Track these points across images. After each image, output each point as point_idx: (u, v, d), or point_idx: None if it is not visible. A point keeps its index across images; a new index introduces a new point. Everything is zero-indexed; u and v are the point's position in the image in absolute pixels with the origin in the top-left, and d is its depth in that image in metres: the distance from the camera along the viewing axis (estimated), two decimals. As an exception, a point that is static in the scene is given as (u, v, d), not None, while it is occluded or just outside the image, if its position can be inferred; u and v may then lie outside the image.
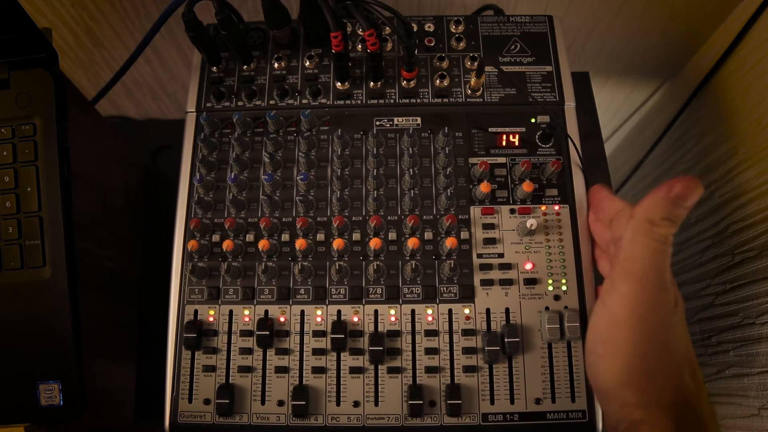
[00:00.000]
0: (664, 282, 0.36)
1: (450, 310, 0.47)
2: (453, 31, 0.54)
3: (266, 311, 0.47)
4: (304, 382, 0.46)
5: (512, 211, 0.49)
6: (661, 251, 0.35)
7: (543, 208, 0.49)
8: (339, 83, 0.53)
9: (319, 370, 0.46)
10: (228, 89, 0.53)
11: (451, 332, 0.46)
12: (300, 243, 0.46)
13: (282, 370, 0.46)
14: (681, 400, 0.35)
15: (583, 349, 0.42)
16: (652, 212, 0.35)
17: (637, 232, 0.36)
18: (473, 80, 0.51)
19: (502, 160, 0.50)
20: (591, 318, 0.39)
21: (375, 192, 0.49)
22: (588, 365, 0.40)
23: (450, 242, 0.46)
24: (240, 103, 0.53)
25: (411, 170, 0.49)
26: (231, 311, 0.47)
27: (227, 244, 0.47)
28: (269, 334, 0.46)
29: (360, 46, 0.54)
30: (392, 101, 0.52)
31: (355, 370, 0.46)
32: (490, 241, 0.48)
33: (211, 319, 0.47)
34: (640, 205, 0.36)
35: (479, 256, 0.48)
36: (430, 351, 0.46)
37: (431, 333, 0.46)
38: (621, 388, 0.36)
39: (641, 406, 0.35)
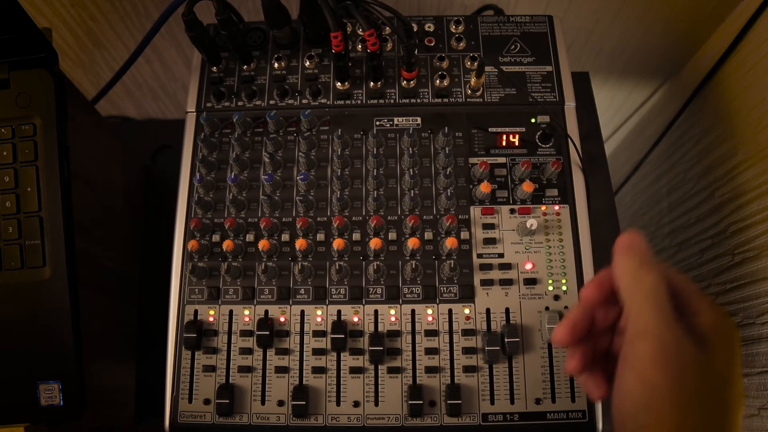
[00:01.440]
0: (680, 336, 0.32)
1: (450, 310, 0.47)
2: (453, 31, 0.54)
3: (266, 311, 0.47)
4: (304, 382, 0.46)
5: (512, 211, 0.49)
6: (661, 293, 0.33)
7: (543, 208, 0.49)
8: (339, 83, 0.53)
9: (319, 370, 0.46)
10: (228, 89, 0.53)
11: (451, 332, 0.46)
12: (300, 243, 0.46)
13: (282, 370, 0.46)
14: None
15: (613, 417, 0.36)
16: (629, 267, 0.34)
17: (630, 293, 0.34)
18: (473, 80, 0.51)
19: (502, 160, 0.50)
20: (617, 392, 0.34)
21: (375, 192, 0.49)
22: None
23: (450, 242, 0.46)
24: (240, 103, 0.53)
25: (411, 170, 0.49)
26: (231, 311, 0.47)
27: (227, 244, 0.47)
28: (269, 334, 0.46)
29: (360, 46, 0.54)
30: (392, 101, 0.52)
31: (355, 370, 0.46)
32: (490, 241, 0.48)
33: (211, 319, 0.47)
34: (615, 272, 0.35)
35: (479, 256, 0.48)
36: (430, 351, 0.46)
37: (431, 333, 0.46)
38: None
39: None
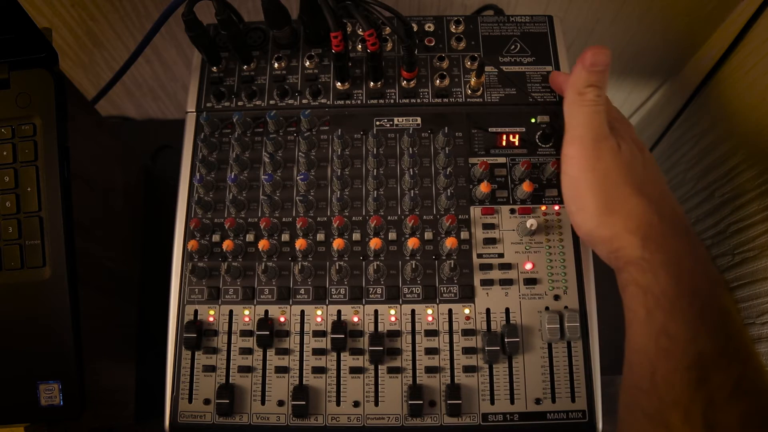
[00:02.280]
0: (602, 134, 0.43)
1: (450, 310, 0.47)
2: (453, 31, 0.54)
3: (266, 311, 0.47)
4: (304, 382, 0.46)
5: (512, 211, 0.49)
6: (593, 112, 0.43)
7: (543, 208, 0.49)
8: (339, 83, 0.53)
9: (319, 370, 0.46)
10: (228, 89, 0.53)
11: (451, 332, 0.46)
12: (300, 243, 0.46)
13: (282, 370, 0.46)
14: (646, 221, 0.40)
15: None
16: (577, 84, 0.43)
17: (570, 104, 0.44)
18: (473, 80, 0.51)
19: (502, 160, 0.50)
20: (561, 183, 0.46)
21: (375, 192, 0.49)
22: (572, 224, 0.46)
23: (450, 242, 0.46)
24: (240, 103, 0.53)
25: (411, 170, 0.49)
26: (231, 311, 0.47)
27: (227, 244, 0.47)
28: (269, 334, 0.46)
29: (360, 46, 0.54)
30: (392, 101, 0.52)
31: (355, 370, 0.46)
32: (490, 241, 0.48)
33: (211, 319, 0.47)
34: (567, 82, 0.44)
35: (479, 256, 0.48)
36: (430, 351, 0.46)
37: (431, 333, 0.46)
38: (597, 230, 0.42)
39: (613, 237, 0.41)
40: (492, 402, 0.45)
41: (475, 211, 0.49)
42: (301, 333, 0.47)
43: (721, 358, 0.35)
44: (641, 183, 0.42)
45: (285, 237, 0.48)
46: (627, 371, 0.40)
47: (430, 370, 0.45)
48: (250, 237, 0.49)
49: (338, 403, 0.45)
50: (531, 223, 0.47)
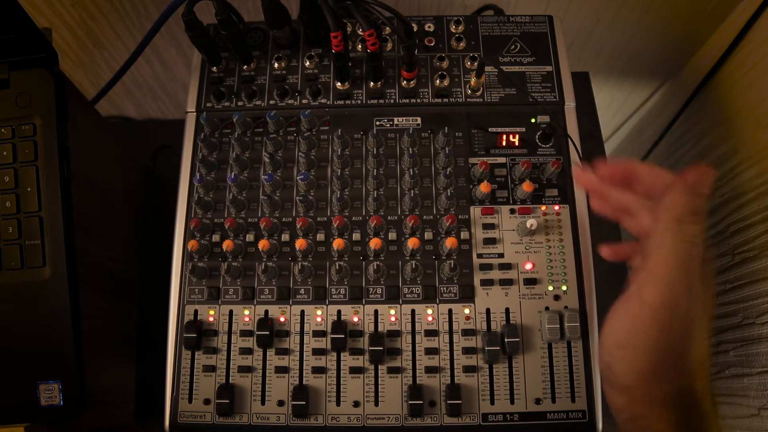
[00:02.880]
0: (694, 291, 0.34)
1: (450, 310, 0.47)
2: (453, 31, 0.54)
3: (266, 311, 0.47)
4: (304, 382, 0.46)
5: (512, 211, 0.49)
6: (692, 253, 0.33)
7: (543, 208, 0.49)
8: (339, 83, 0.53)
9: (319, 370, 0.46)
10: (228, 89, 0.53)
11: (451, 332, 0.46)
12: (300, 243, 0.46)
13: (282, 370, 0.46)
14: (686, 399, 0.35)
15: (599, 341, 0.40)
16: (678, 209, 0.34)
17: (665, 233, 0.34)
18: (473, 80, 0.51)
19: (502, 160, 0.50)
20: (612, 319, 0.37)
21: (375, 192, 0.49)
22: (603, 363, 0.39)
23: (450, 242, 0.46)
24: (240, 103, 0.53)
25: (411, 170, 0.49)
26: (231, 311, 0.47)
27: (227, 244, 0.47)
28: (269, 334, 0.46)
29: (360, 46, 0.54)
30: (392, 101, 0.52)
31: (355, 370, 0.46)
32: (490, 241, 0.48)
33: (211, 319, 0.47)
34: (664, 204, 0.34)
35: (479, 256, 0.48)
36: (430, 351, 0.46)
37: (431, 333, 0.46)
38: (633, 388, 0.36)
39: (647, 404, 0.35)
40: (492, 402, 0.45)
41: (475, 211, 0.49)
42: (301, 333, 0.47)
43: None
44: (700, 362, 0.36)
45: (285, 237, 0.48)
46: None
47: (430, 370, 0.45)
48: (250, 237, 0.48)
49: (338, 403, 0.45)
50: (531, 223, 0.47)
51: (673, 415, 0.34)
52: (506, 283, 0.47)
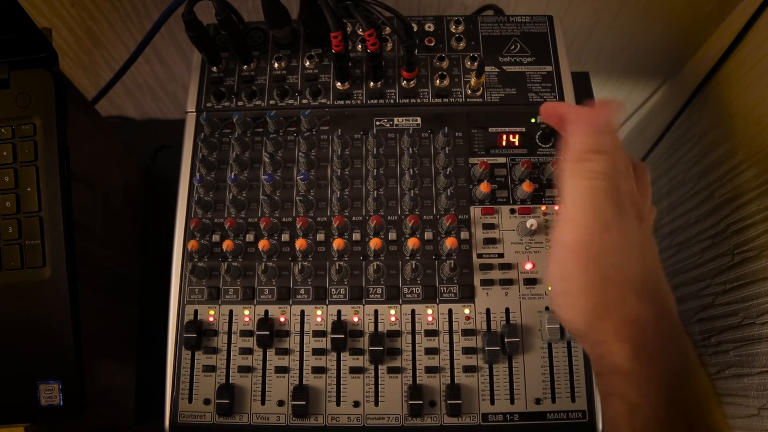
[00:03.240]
0: (605, 222, 0.34)
1: (450, 310, 0.47)
2: (453, 31, 0.54)
3: (266, 311, 0.47)
4: (304, 382, 0.46)
5: (512, 211, 0.49)
6: (597, 189, 0.33)
7: (543, 208, 0.49)
8: (339, 83, 0.53)
9: (319, 370, 0.46)
10: (228, 89, 0.53)
11: (451, 332, 0.46)
12: (300, 243, 0.46)
13: (282, 370, 0.46)
14: (640, 327, 0.34)
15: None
16: (577, 149, 0.34)
17: (566, 174, 0.35)
18: (473, 80, 0.51)
19: (502, 160, 0.50)
20: (548, 271, 0.38)
21: (375, 192, 0.49)
22: (556, 314, 0.40)
23: (450, 242, 0.46)
24: (240, 103, 0.53)
25: (411, 170, 0.49)
26: (231, 311, 0.47)
27: (227, 244, 0.47)
28: (269, 334, 0.46)
29: (360, 46, 0.54)
30: (392, 101, 0.52)
31: (355, 370, 0.46)
32: (490, 241, 0.48)
33: (211, 319, 0.47)
34: (565, 146, 0.35)
35: (479, 256, 0.48)
36: (430, 351, 0.46)
37: (431, 333, 0.46)
38: (586, 332, 0.36)
39: (601, 342, 0.35)
40: (492, 402, 0.45)
41: (475, 211, 0.49)
42: (301, 333, 0.47)
43: None
44: (643, 280, 0.35)
45: (285, 237, 0.48)
46: None
47: (430, 370, 0.45)
48: (250, 237, 0.48)
49: (338, 403, 0.45)
50: (531, 223, 0.47)
51: (627, 348, 0.33)
52: (506, 283, 0.47)
